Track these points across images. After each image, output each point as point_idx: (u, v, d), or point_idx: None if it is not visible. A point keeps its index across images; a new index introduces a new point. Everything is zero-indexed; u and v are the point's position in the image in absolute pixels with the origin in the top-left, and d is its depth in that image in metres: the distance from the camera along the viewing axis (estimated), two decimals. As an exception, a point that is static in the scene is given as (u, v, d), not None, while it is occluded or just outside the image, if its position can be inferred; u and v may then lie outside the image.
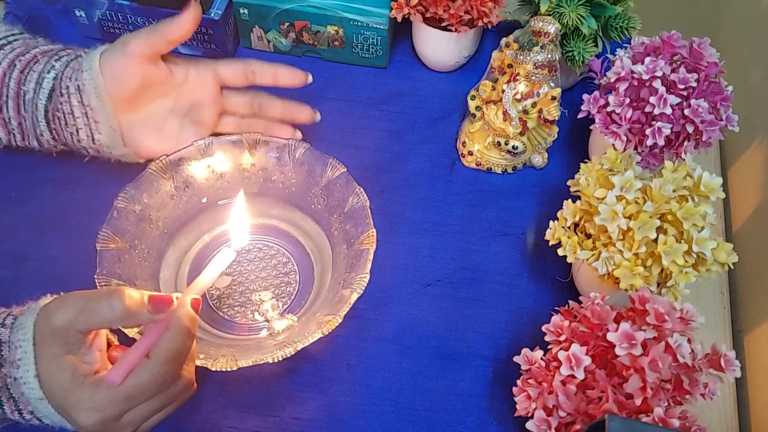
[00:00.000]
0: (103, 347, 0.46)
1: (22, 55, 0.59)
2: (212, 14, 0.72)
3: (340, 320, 0.51)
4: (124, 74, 0.57)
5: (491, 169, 0.72)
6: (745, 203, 0.73)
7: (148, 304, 0.44)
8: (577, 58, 0.69)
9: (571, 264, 0.62)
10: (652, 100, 0.60)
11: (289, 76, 0.64)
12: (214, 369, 0.49)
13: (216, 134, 0.65)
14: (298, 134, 0.66)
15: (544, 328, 0.53)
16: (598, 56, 0.69)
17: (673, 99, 0.59)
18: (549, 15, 0.66)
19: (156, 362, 0.43)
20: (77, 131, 0.58)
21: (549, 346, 0.53)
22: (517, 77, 0.66)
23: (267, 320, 0.59)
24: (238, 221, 0.55)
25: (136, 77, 0.57)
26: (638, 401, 0.47)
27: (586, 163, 0.59)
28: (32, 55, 0.59)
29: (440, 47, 0.75)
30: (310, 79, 0.64)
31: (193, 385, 0.48)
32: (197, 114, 0.63)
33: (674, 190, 0.54)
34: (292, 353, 0.50)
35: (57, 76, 0.57)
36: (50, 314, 0.43)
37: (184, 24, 0.57)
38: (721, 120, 0.62)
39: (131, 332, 0.50)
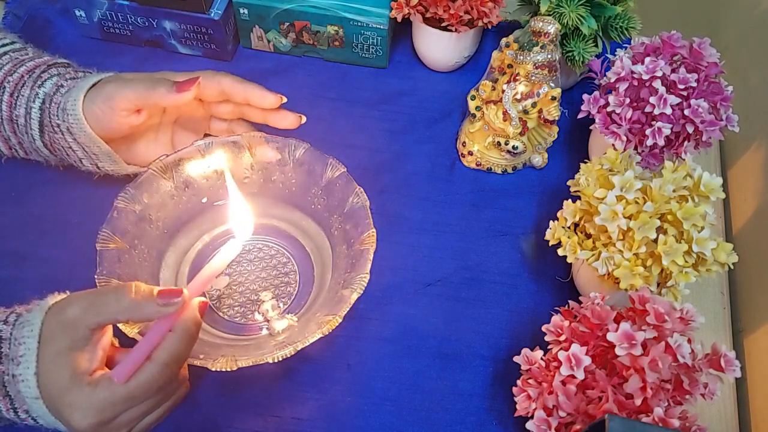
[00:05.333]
0: (107, 348, 0.46)
1: (10, 75, 0.58)
2: (212, 14, 0.72)
3: (340, 320, 0.51)
4: (108, 124, 0.57)
5: (491, 169, 0.72)
6: (745, 203, 0.73)
7: (156, 296, 0.44)
8: (577, 58, 0.69)
9: (571, 264, 0.62)
10: (652, 100, 0.60)
11: (260, 97, 0.60)
12: (214, 369, 0.49)
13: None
14: (303, 118, 0.63)
15: (544, 328, 0.53)
16: (598, 56, 0.69)
17: (673, 99, 0.59)
18: (549, 15, 0.66)
19: (157, 363, 0.43)
20: (80, 161, 0.60)
21: (549, 346, 0.53)
22: (517, 77, 0.66)
23: (267, 320, 0.59)
24: (238, 207, 0.53)
25: (123, 126, 0.57)
26: (638, 401, 0.47)
27: (586, 163, 0.59)
28: (19, 76, 0.58)
29: (440, 47, 0.75)
30: (284, 99, 0.61)
31: (186, 385, 0.48)
32: (185, 123, 0.65)
33: (674, 190, 0.54)
34: (292, 353, 0.50)
35: (42, 107, 0.57)
36: (62, 308, 0.44)
37: (180, 99, 0.57)
38: (721, 120, 0.61)
39: (131, 332, 0.50)
